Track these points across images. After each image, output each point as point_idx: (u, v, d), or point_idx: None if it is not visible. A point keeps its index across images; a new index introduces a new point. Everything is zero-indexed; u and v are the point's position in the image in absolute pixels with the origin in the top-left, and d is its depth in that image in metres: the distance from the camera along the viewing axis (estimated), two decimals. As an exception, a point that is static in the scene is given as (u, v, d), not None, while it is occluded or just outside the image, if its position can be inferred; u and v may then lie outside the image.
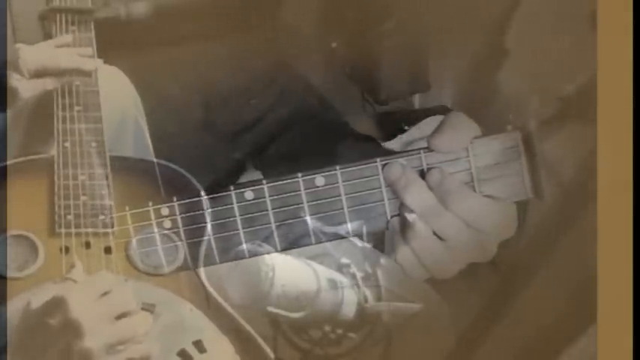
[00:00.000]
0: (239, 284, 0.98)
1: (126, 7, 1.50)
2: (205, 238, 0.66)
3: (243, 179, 1.33)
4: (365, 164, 0.64)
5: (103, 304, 0.65)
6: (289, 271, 1.07)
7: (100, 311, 0.64)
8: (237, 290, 0.97)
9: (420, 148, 0.63)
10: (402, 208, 0.62)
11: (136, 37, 1.49)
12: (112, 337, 0.64)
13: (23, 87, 0.91)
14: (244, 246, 0.66)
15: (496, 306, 0.91)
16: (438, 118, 0.65)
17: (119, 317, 0.66)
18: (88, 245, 0.73)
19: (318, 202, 0.64)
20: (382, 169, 0.63)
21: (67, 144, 0.80)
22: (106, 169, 0.77)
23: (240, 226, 0.65)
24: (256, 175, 1.35)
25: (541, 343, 0.86)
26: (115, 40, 1.15)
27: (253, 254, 0.66)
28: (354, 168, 0.63)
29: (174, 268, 0.69)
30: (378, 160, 0.63)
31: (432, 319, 1.10)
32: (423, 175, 0.63)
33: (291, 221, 0.64)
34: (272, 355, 0.77)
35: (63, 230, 0.73)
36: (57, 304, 0.64)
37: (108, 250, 0.72)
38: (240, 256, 0.66)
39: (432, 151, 0.63)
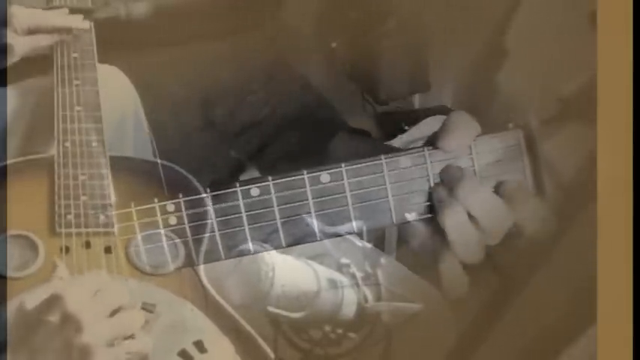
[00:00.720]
0: (239, 284, 0.98)
1: (126, 7, 1.50)
2: (211, 234, 0.67)
3: (242, 179, 1.33)
4: (370, 161, 0.64)
5: (97, 300, 0.65)
6: (289, 271, 1.07)
7: (95, 307, 0.65)
8: (237, 290, 0.97)
9: (424, 146, 0.63)
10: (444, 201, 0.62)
11: (136, 37, 1.49)
12: (108, 333, 0.64)
13: (18, 43, 0.97)
14: (249, 242, 0.66)
15: (496, 306, 0.91)
16: (438, 118, 0.66)
17: (113, 313, 0.66)
18: (88, 245, 0.72)
19: (323, 198, 0.64)
20: (386, 166, 0.64)
21: (68, 144, 0.80)
22: (106, 169, 0.77)
23: (245, 223, 0.66)
24: (255, 174, 1.35)
25: (541, 343, 0.85)
26: (115, 40, 1.16)
27: (258, 250, 0.66)
28: (359, 165, 0.64)
29: (176, 266, 0.70)
30: (382, 157, 0.64)
31: (432, 318, 1.10)
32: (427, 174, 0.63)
33: (296, 217, 0.65)
34: (272, 355, 0.77)
35: (63, 230, 0.73)
36: (55, 302, 0.64)
37: (108, 249, 0.72)
38: (245, 253, 0.66)
39: (436, 149, 0.63)
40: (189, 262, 0.69)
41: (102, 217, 0.73)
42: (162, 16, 1.52)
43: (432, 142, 0.64)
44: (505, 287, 0.92)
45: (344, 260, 1.11)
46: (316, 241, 0.65)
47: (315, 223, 0.65)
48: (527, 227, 0.62)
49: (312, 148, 1.37)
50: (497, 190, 0.63)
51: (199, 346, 0.71)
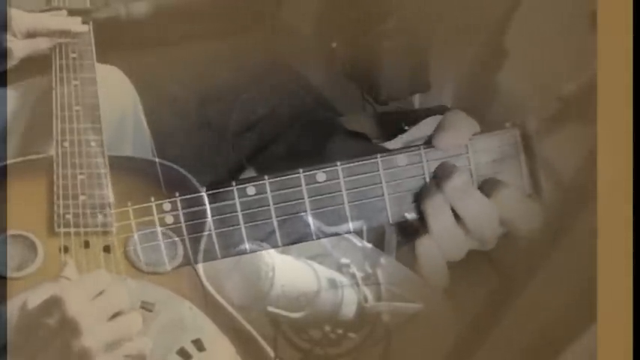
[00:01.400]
0: (239, 284, 0.98)
1: (126, 7, 1.50)
2: (207, 233, 0.67)
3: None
4: (366, 160, 0.64)
5: (98, 303, 0.65)
6: (289, 271, 1.07)
7: (95, 310, 0.65)
8: (237, 290, 0.97)
9: (420, 145, 0.63)
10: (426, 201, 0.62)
11: (136, 37, 1.49)
12: (108, 336, 0.64)
13: (16, 47, 0.97)
14: (246, 241, 0.66)
15: (496, 306, 0.91)
16: (438, 118, 0.66)
17: (114, 316, 0.66)
18: (87, 245, 0.72)
19: (320, 197, 0.64)
20: (382, 165, 0.64)
21: (66, 143, 0.80)
22: (105, 169, 0.76)
23: (241, 222, 0.66)
24: (254, 175, 1.35)
25: (541, 343, 0.85)
26: (115, 40, 1.16)
27: (255, 250, 0.66)
28: (355, 164, 0.64)
29: (175, 265, 0.70)
30: (378, 156, 0.64)
31: (432, 319, 1.10)
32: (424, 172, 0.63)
33: (292, 216, 0.65)
34: (272, 355, 0.77)
35: (62, 230, 0.73)
36: (54, 304, 0.64)
37: (107, 249, 0.72)
38: (241, 252, 0.66)
39: (432, 147, 0.63)
40: (188, 261, 0.69)
41: (100, 217, 0.73)
42: (162, 16, 1.52)
43: (429, 141, 0.64)
44: (505, 287, 0.92)
45: (344, 260, 1.11)
46: (312, 240, 0.65)
47: (311, 222, 0.65)
48: (520, 228, 0.62)
49: (311, 148, 1.37)
50: (487, 190, 0.62)
51: (198, 344, 0.71)
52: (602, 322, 0.58)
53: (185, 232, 0.68)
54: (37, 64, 1.01)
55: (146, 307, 0.69)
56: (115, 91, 1.11)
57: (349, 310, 1.09)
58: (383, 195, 0.64)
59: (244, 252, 0.66)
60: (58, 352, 0.63)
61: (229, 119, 1.43)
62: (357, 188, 0.64)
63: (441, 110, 1.58)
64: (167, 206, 0.68)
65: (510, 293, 0.90)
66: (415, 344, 1.09)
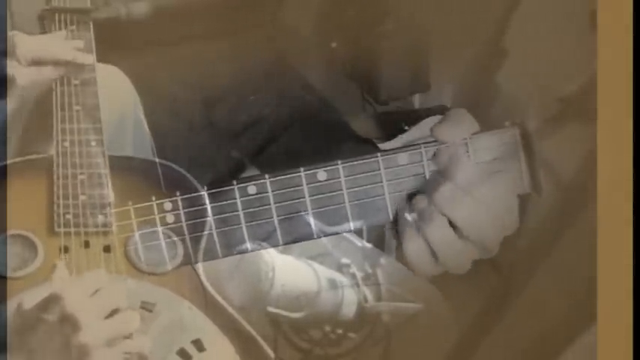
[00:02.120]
0: (239, 284, 0.98)
1: (126, 7, 1.50)
2: (208, 232, 0.67)
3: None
4: (366, 159, 0.64)
5: (95, 300, 0.66)
6: (289, 271, 1.07)
7: (93, 308, 0.65)
8: (237, 290, 0.97)
9: (421, 143, 0.63)
10: (417, 200, 0.62)
11: (136, 37, 1.49)
12: (106, 333, 0.65)
13: (20, 74, 0.92)
14: (247, 240, 0.66)
15: (496, 306, 0.91)
16: (438, 118, 0.66)
17: (111, 314, 0.66)
18: (87, 244, 0.72)
19: (320, 196, 0.64)
20: (383, 164, 0.64)
21: (67, 143, 0.80)
22: (105, 169, 0.77)
23: (242, 221, 0.66)
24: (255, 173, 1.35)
25: (541, 343, 0.85)
26: (115, 40, 1.16)
27: (256, 249, 0.66)
28: (356, 163, 0.64)
29: (174, 265, 0.70)
30: (379, 154, 0.64)
31: (432, 319, 1.10)
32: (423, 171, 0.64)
33: (293, 215, 0.65)
34: (272, 355, 0.77)
35: (62, 230, 0.73)
36: (53, 301, 0.64)
37: (107, 249, 0.72)
38: (242, 251, 0.66)
39: (432, 144, 0.63)
40: (188, 261, 0.69)
41: (100, 217, 0.73)
42: (162, 16, 1.52)
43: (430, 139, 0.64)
44: (505, 287, 0.92)
45: (344, 260, 1.12)
46: (313, 238, 0.65)
47: (312, 221, 0.65)
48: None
49: (313, 147, 1.37)
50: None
51: (198, 344, 0.71)
52: (602, 322, 0.58)
53: (186, 232, 0.68)
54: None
55: (146, 307, 0.70)
56: (115, 91, 1.11)
57: (349, 310, 1.09)
58: (384, 194, 0.64)
59: (245, 251, 0.66)
60: (58, 349, 0.63)
61: (230, 119, 1.43)
62: (357, 187, 0.64)
63: (441, 110, 1.59)
64: (168, 205, 0.68)
65: (510, 293, 0.90)
66: (415, 344, 1.09)
